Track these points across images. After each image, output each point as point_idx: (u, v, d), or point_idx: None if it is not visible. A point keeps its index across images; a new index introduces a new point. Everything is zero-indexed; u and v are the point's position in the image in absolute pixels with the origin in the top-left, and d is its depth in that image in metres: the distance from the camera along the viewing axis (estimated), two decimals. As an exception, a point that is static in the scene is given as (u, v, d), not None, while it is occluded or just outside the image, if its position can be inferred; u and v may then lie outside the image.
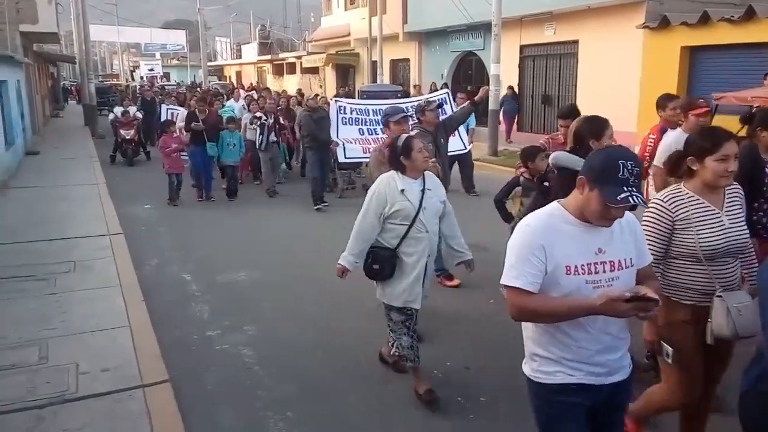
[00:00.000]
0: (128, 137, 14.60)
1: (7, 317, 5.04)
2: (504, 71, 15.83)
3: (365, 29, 24.83)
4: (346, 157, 10.04)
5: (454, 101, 10.24)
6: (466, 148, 10.26)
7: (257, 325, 5.22)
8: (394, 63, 26.87)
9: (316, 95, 10.59)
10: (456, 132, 9.61)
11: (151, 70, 55.00)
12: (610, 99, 14.42)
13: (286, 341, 4.93)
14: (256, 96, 14.57)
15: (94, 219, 8.60)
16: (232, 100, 14.90)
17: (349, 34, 28.86)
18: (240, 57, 51.25)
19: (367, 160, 10.72)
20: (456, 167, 10.26)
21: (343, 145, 10.01)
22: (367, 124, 10.47)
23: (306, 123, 10.04)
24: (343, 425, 3.72)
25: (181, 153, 10.44)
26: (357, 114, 10.45)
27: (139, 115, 15.20)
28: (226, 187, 10.78)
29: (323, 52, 32.21)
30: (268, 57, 42.16)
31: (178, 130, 10.72)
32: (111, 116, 15.37)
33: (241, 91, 18.77)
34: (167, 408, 3.73)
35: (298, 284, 6.32)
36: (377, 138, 10.16)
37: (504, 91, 17.22)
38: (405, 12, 23.73)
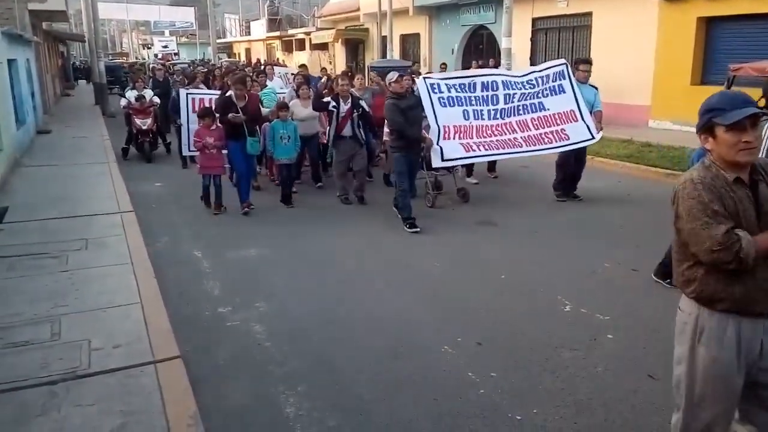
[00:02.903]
0: (144, 127, 11.95)
1: (21, 294, 5.07)
2: (516, 45, 15.60)
3: (375, 4, 24.55)
4: (443, 160, 7.69)
5: (574, 74, 8.42)
6: (594, 137, 8.12)
7: (268, 302, 5.23)
8: (404, 38, 26.61)
9: (403, 75, 7.60)
10: (579, 114, 8.14)
11: (165, 47, 54.63)
12: (624, 72, 14.25)
13: (296, 317, 4.93)
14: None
15: (105, 197, 8.62)
16: (267, 80, 12.05)
17: (358, 9, 28.57)
18: (249, 34, 50.93)
19: (468, 160, 8.25)
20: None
21: (439, 137, 7.69)
22: (473, 103, 8.02)
23: (392, 115, 7.21)
24: (353, 400, 3.72)
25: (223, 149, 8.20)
26: (457, 91, 8.00)
27: (156, 100, 12.36)
28: (282, 191, 8.64)
29: (332, 28, 31.95)
30: (277, 33, 41.88)
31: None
32: (123, 102, 12.42)
33: (277, 68, 15.35)
34: (179, 383, 3.74)
35: (309, 261, 6.31)
36: (484, 126, 8.02)
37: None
38: (415, -15, 23.40)
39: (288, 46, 41.42)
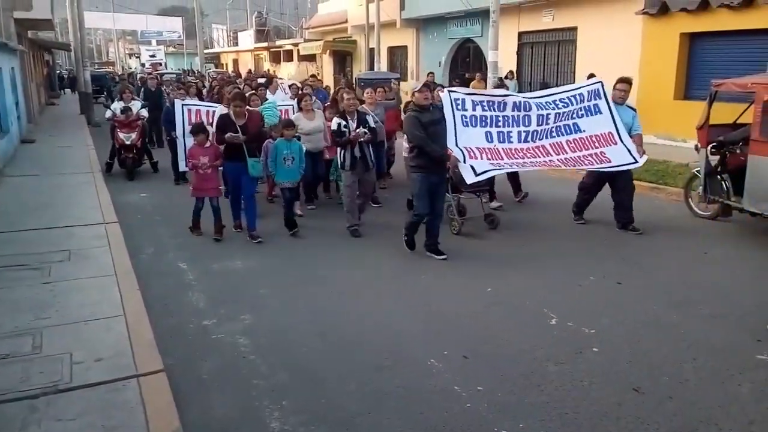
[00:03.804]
0: (128, 142, 11.07)
1: (1, 306, 5.00)
2: (502, 58, 15.73)
3: (362, 16, 24.65)
4: (477, 175, 6.91)
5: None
6: (636, 161, 7.38)
7: (253, 314, 5.19)
8: (392, 50, 26.73)
9: (429, 84, 6.80)
10: (618, 137, 7.49)
11: (153, 56, 54.24)
12: (608, 87, 14.31)
13: (282, 330, 4.90)
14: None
15: (89, 207, 8.55)
16: (267, 92, 11.33)
17: (346, 21, 28.67)
18: (237, 44, 50.96)
19: (498, 171, 7.30)
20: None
21: (465, 156, 6.95)
22: (498, 124, 7.38)
23: (413, 129, 6.38)
24: (339, 413, 3.70)
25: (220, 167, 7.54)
26: (483, 109, 7.36)
27: (144, 113, 11.56)
28: (285, 215, 7.76)
29: (320, 40, 32.04)
30: (265, 44, 41.93)
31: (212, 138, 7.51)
32: (108, 113, 11.62)
33: (289, 81, 14.29)
34: (162, 397, 3.70)
35: (295, 273, 6.28)
36: (512, 149, 7.35)
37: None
38: (402, -2, 23.57)
39: (276, 57, 41.46)
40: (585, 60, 15.94)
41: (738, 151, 7.54)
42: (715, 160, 7.78)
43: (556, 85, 17.15)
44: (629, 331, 4.81)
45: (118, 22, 58.66)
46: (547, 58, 18.02)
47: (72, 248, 6.61)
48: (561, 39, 17.34)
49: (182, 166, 9.89)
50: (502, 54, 15.44)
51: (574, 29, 16.56)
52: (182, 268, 6.43)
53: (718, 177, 7.70)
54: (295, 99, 9.91)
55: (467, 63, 22.22)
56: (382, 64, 25.00)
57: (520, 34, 18.55)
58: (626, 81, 7.84)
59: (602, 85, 7.81)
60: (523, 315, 5.15)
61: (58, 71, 41.75)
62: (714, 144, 7.76)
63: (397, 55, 26.82)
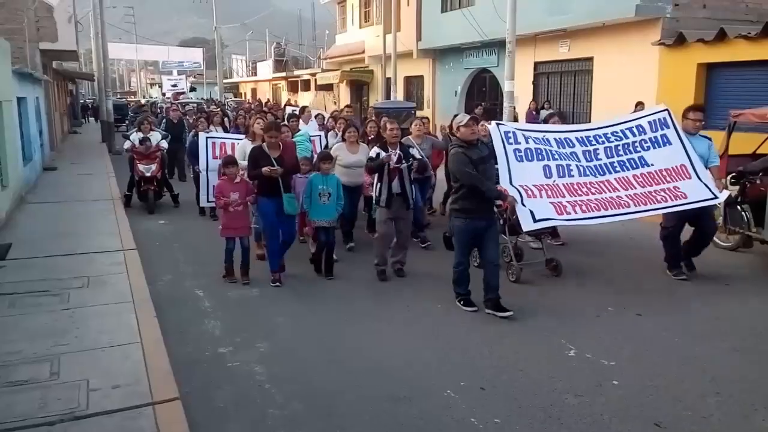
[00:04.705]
0: (148, 174, 10.71)
1: (21, 332, 5.05)
2: (518, 88, 15.79)
3: (379, 46, 24.97)
4: (535, 221, 6.06)
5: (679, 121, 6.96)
6: (716, 197, 6.51)
7: (269, 342, 5.18)
8: (408, 79, 26.99)
9: (476, 119, 5.96)
10: (692, 170, 6.61)
11: (174, 86, 54.77)
12: (622, 112, 14.29)
13: (298, 359, 4.88)
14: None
15: (108, 234, 8.65)
16: (301, 122, 10.66)
17: (363, 52, 29.06)
18: (255, 74, 51.84)
19: (564, 223, 6.41)
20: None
21: (522, 196, 6.12)
22: (555, 157, 6.60)
23: (462, 167, 5.62)
24: (354, 446, 3.66)
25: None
26: (535, 143, 6.60)
27: (164, 144, 11.28)
28: (313, 253, 7.27)
29: (337, 69, 32.46)
30: (283, 74, 42.59)
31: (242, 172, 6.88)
32: (127, 144, 11.21)
33: (315, 111, 13.36)
34: (177, 426, 3.69)
35: (311, 302, 6.28)
36: (575, 183, 6.51)
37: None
38: (419, 29, 23.87)
39: (293, 87, 42.07)
40: (601, 90, 15.96)
41: (758, 182, 7.48)
42: (735, 190, 7.72)
43: (573, 115, 17.22)
44: (649, 363, 4.73)
45: (141, 53, 60.04)
46: (563, 87, 18.07)
47: (91, 275, 6.68)
48: (577, 69, 17.41)
49: (203, 201, 9.57)
50: (518, 84, 15.50)
51: (590, 59, 16.62)
52: (199, 296, 6.46)
53: (739, 208, 7.63)
54: (323, 130, 9.92)
55: (483, 93, 22.35)
56: (399, 94, 25.23)
57: (536, 64, 18.66)
58: (699, 109, 6.96)
59: (669, 113, 6.94)
60: (541, 346, 5.09)
61: (82, 100, 42.61)
62: (734, 174, 7.70)
63: (414, 84, 27.07)
